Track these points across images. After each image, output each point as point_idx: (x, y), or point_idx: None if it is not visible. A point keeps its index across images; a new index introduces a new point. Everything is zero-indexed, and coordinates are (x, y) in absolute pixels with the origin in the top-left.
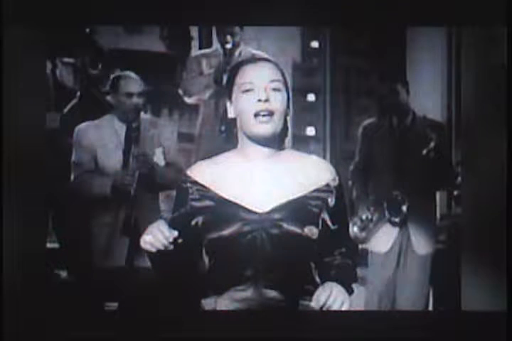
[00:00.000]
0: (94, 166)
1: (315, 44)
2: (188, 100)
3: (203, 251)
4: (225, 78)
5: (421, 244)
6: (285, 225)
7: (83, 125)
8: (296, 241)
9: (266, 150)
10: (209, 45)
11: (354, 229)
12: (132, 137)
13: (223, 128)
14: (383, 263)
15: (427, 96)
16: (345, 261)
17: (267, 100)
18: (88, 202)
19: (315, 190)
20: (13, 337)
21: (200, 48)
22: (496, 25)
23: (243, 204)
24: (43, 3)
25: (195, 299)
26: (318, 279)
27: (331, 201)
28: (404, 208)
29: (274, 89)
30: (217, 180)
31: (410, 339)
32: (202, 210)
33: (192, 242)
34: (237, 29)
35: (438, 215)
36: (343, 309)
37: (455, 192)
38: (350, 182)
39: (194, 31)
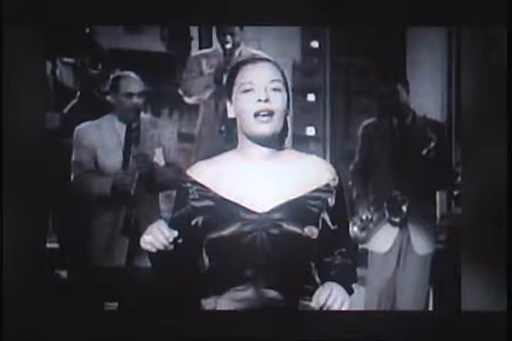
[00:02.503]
0: (94, 166)
1: (315, 44)
2: (188, 100)
3: (203, 251)
4: (225, 78)
5: (421, 244)
6: (285, 225)
7: (83, 125)
8: (296, 241)
9: (266, 150)
10: (209, 45)
11: (354, 229)
12: (132, 137)
13: (223, 128)
14: (383, 263)
15: (427, 96)
16: (345, 261)
17: (267, 100)
18: (88, 202)
19: (315, 190)
20: (12, 337)
21: (200, 48)
22: (496, 26)
23: (243, 204)
24: (43, 3)
25: (195, 299)
26: (318, 279)
27: (331, 201)
28: (404, 208)
29: (274, 89)
30: (217, 180)
31: (410, 339)
32: (202, 210)
33: (192, 242)
34: (237, 29)
35: (438, 215)
36: (343, 309)
37: (455, 192)
38: (350, 182)
39: (194, 31)
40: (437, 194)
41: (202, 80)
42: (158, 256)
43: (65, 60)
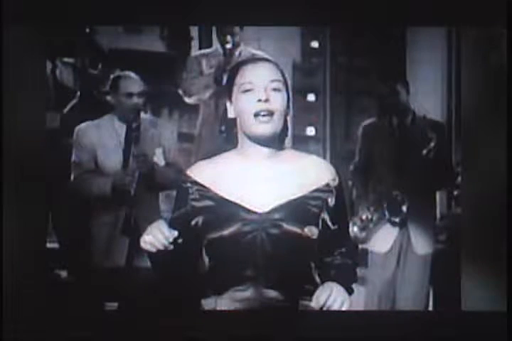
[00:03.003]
0: (94, 166)
1: (315, 44)
2: (188, 100)
3: (203, 251)
4: (225, 78)
5: (421, 244)
6: (285, 225)
7: (83, 125)
8: (296, 241)
9: (266, 150)
10: (209, 45)
11: (354, 229)
12: (132, 137)
13: (223, 128)
14: (383, 263)
15: (427, 96)
16: (345, 261)
17: (267, 100)
18: (88, 202)
19: (315, 190)
20: (12, 336)
21: (200, 48)
22: (496, 26)
23: (243, 204)
24: (43, 3)
25: (195, 299)
26: (318, 279)
27: (331, 201)
28: (404, 208)
29: (274, 89)
30: (217, 180)
31: (410, 339)
32: (202, 210)
33: (192, 242)
34: (237, 29)
35: (438, 215)
36: (343, 309)
37: (455, 192)
38: (350, 182)
39: (194, 31)
40: (437, 194)
41: (202, 80)
42: (158, 256)
43: (65, 60)
